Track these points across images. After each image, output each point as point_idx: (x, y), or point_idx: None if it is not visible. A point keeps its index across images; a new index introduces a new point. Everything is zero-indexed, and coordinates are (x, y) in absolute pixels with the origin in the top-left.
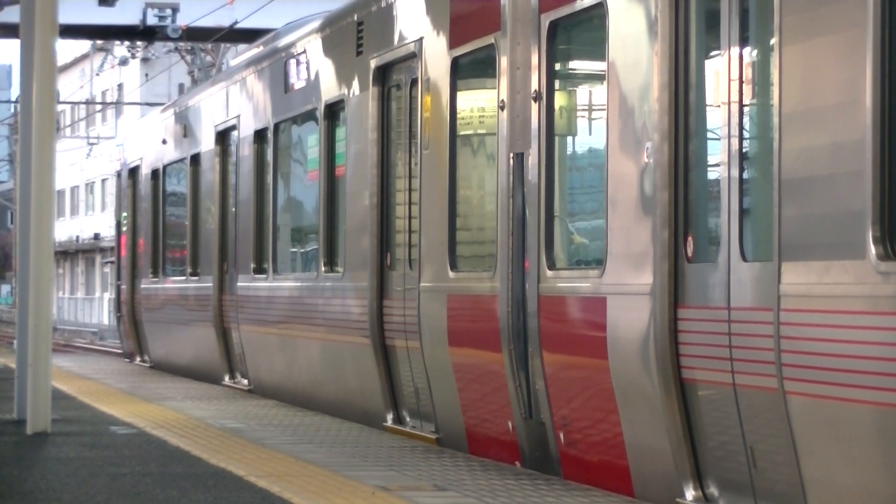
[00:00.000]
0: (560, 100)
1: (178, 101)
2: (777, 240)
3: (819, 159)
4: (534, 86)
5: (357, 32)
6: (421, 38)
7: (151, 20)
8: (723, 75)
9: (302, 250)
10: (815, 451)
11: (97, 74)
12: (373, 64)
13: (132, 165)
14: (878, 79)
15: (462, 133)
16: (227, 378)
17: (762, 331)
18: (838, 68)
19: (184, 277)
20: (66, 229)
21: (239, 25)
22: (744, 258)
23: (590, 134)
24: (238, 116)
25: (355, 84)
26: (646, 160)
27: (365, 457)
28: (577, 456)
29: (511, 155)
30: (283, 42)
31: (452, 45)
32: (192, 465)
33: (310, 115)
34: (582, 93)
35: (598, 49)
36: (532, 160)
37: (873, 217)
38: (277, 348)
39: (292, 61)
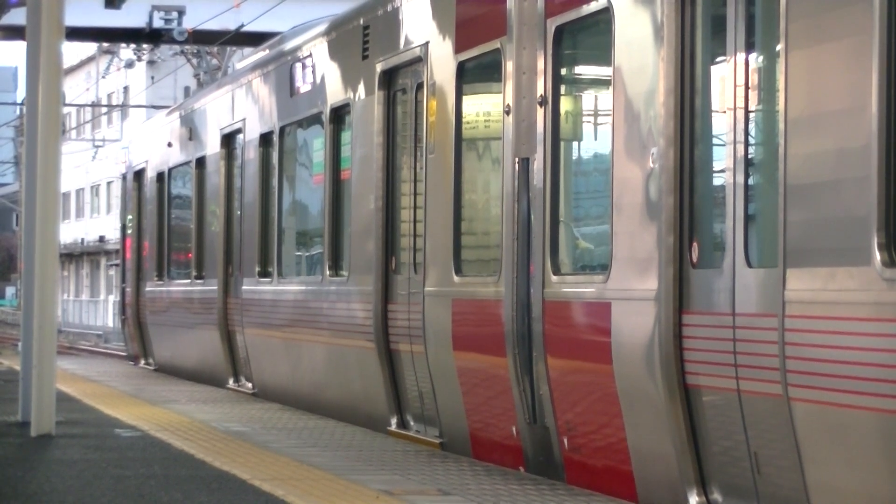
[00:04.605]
0: (566, 105)
1: (184, 104)
2: (782, 246)
3: (824, 165)
4: (539, 90)
5: (363, 36)
6: (427, 43)
7: (157, 23)
8: (728, 81)
9: (307, 254)
10: (819, 457)
11: (103, 77)
12: (378, 68)
13: (137, 168)
14: (884, 84)
15: (467, 137)
16: (231, 381)
17: (767, 337)
18: (844, 74)
19: (189, 280)
20: (71, 232)
21: (245, 29)
22: (749, 264)
23: (595, 139)
24: (244, 120)
25: (361, 88)
26: (651, 165)
27: (369, 461)
28: (581, 461)
29: (516, 160)
30: (288, 45)
31: (458, 49)
32: (196, 468)
33: (315, 119)
34: (588, 98)
35: (603, 54)
36: (537, 165)
37: (878, 223)
38: (282, 352)
39: (298, 65)
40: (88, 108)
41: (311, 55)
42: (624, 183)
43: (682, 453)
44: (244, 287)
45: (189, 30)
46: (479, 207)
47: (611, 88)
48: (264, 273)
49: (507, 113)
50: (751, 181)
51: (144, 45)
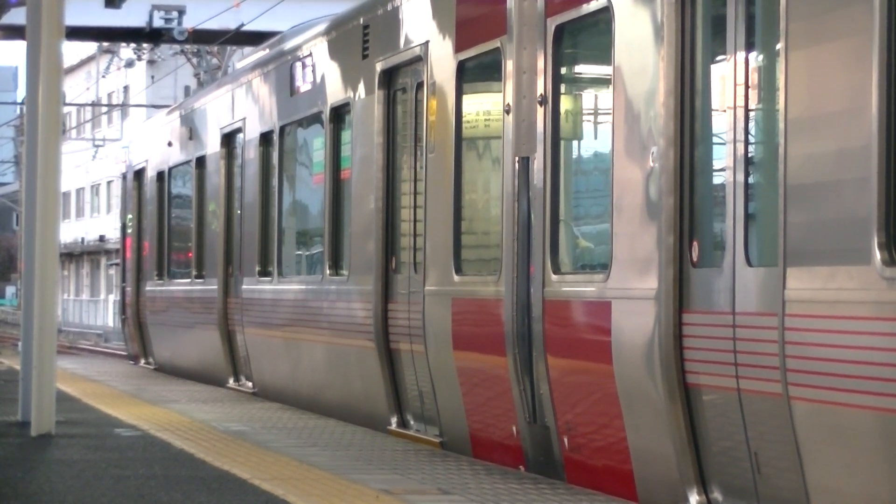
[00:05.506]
0: (566, 104)
1: (184, 104)
2: (782, 245)
3: (824, 165)
4: (539, 90)
5: (363, 36)
6: (427, 42)
7: (158, 22)
8: (728, 80)
9: (307, 253)
10: (819, 457)
11: (103, 76)
12: (378, 67)
13: (137, 167)
14: (884, 85)
15: (467, 137)
16: (231, 381)
17: (767, 336)
18: (844, 74)
19: (189, 280)
20: (71, 231)
21: (245, 28)
22: (749, 263)
23: (595, 138)
24: (244, 119)
25: (361, 87)
26: (651, 165)
27: (369, 460)
28: (581, 460)
29: (516, 159)
30: (288, 45)
31: (458, 48)
32: (196, 468)
33: (315, 118)
34: (588, 97)
35: (603, 53)
36: (537, 164)
37: (878, 223)
38: (282, 351)
39: (298, 64)
40: (88, 108)
41: (311, 55)
42: (624, 182)
43: (682, 453)
44: (244, 286)
45: (189, 29)
46: (479, 207)
47: (611, 88)
48: (264, 272)
49: (508, 112)
50: (751, 181)
51: (144, 45)
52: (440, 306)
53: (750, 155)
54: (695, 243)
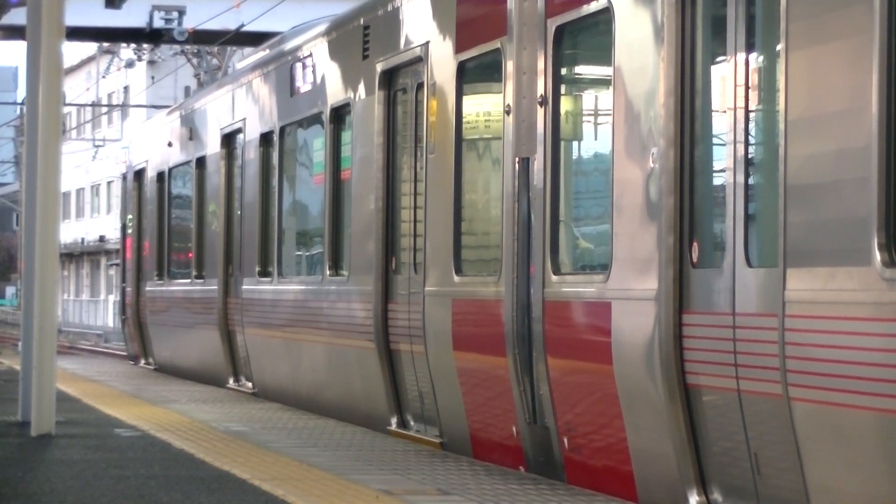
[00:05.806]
0: (566, 105)
1: (184, 104)
2: (782, 246)
3: (824, 166)
4: (540, 90)
5: (363, 36)
6: (427, 43)
7: (158, 23)
8: (729, 81)
9: (307, 254)
10: (819, 458)
11: (103, 77)
12: (379, 68)
13: (138, 168)
14: (884, 85)
15: (468, 137)
16: (231, 381)
17: (767, 337)
18: (844, 75)
19: (189, 280)
20: (71, 231)
21: (245, 29)
22: (749, 264)
23: (595, 139)
24: (244, 119)
25: (361, 88)
26: (651, 165)
27: (369, 461)
28: (581, 461)
29: (517, 159)
30: (289, 45)
31: (458, 49)
32: (196, 468)
33: (315, 119)
34: (588, 98)
35: (604, 54)
36: (538, 165)
37: (878, 224)
38: (282, 351)
39: (298, 65)
40: (88, 108)
41: (311, 55)
42: (624, 183)
43: (682, 453)
44: (244, 287)
45: (189, 30)
46: (479, 207)
47: (611, 88)
48: (264, 273)
49: (508, 113)
50: (751, 181)
51: (145, 45)
52: (440, 307)
53: (750, 155)
54: (695, 244)
